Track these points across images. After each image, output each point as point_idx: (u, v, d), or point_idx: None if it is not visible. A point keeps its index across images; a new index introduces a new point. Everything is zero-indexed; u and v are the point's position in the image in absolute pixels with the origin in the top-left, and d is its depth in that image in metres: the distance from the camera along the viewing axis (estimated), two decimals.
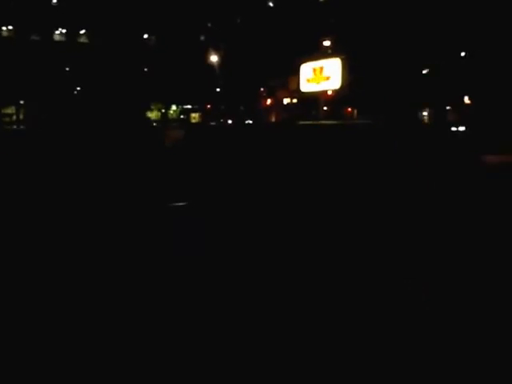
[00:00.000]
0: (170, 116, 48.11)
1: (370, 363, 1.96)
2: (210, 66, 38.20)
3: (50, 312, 2.57)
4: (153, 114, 47.35)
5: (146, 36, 45.77)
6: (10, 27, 40.26)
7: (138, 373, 1.96)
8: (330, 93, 12.81)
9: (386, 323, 2.12)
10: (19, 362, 2.00)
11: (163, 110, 47.65)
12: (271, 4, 40.66)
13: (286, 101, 36.72)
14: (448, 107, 43.17)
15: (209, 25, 45.29)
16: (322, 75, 12.24)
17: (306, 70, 13.06)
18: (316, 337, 2.05)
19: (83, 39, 43.91)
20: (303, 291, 2.19)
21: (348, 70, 11.98)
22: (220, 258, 2.40)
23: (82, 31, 43.55)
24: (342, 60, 12.01)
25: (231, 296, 2.38)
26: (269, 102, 40.91)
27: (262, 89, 43.12)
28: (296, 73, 13.76)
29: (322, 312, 2.13)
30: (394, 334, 2.09)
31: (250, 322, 2.20)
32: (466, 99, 38.96)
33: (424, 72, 33.08)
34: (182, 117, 48.63)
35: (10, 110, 40.66)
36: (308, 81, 12.91)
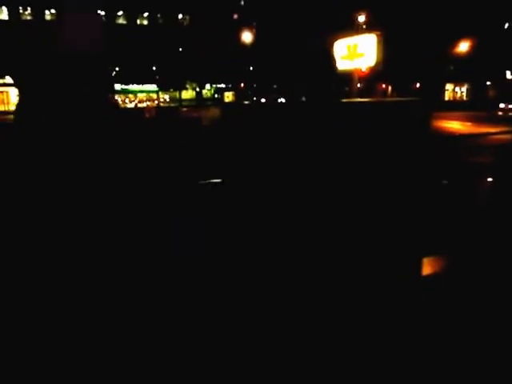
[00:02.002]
0: (204, 95, 48.16)
1: (370, 362, 1.91)
2: (243, 44, 37.73)
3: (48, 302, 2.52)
4: (188, 94, 47.56)
5: (180, 16, 45.62)
6: None
7: (138, 373, 1.94)
8: (364, 70, 12.40)
9: (387, 321, 2.07)
10: (19, 362, 1.98)
11: (198, 89, 47.72)
12: None
13: None
14: (488, 82, 41.00)
15: (242, 3, 44.54)
16: (357, 52, 11.83)
17: (340, 47, 12.63)
18: (318, 336, 2.02)
19: (121, 20, 44.23)
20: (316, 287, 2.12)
21: (383, 46, 11.52)
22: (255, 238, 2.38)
23: (120, 13, 43.83)
24: (377, 36, 11.53)
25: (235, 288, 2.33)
26: None
27: None
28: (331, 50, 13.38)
29: (325, 312, 2.08)
30: (394, 332, 2.05)
31: (251, 321, 2.16)
32: (508, 74, 36.81)
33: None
34: (216, 96, 48.59)
35: None
36: (342, 58, 12.50)
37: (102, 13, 41.77)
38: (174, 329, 2.24)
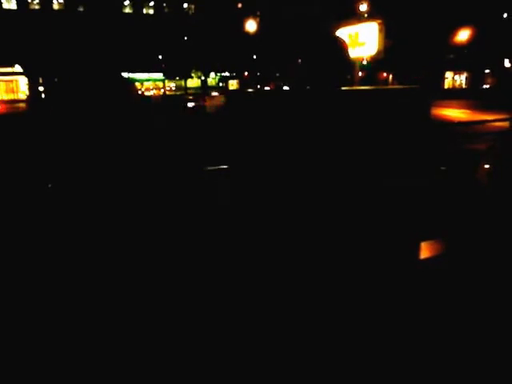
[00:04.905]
0: (209, 83, 47.83)
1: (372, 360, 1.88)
2: (248, 33, 37.26)
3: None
4: (193, 82, 47.23)
5: (185, 5, 45.02)
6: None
7: (138, 369, 1.90)
8: (365, 58, 12.21)
9: (387, 317, 2.04)
10: (19, 362, 1.93)
11: (203, 78, 47.37)
12: None
13: None
14: (487, 71, 40.43)
15: None
16: (358, 41, 11.64)
17: (342, 36, 12.39)
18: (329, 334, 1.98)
19: (128, 10, 43.69)
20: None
21: (385, 35, 11.31)
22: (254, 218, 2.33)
23: (127, 2, 43.26)
24: (379, 24, 11.32)
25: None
26: None
27: None
28: None
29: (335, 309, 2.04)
30: (395, 329, 2.02)
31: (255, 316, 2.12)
32: (507, 62, 36.25)
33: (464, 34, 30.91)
34: (220, 84, 48.25)
35: None
36: None
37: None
38: (175, 322, 2.13)
